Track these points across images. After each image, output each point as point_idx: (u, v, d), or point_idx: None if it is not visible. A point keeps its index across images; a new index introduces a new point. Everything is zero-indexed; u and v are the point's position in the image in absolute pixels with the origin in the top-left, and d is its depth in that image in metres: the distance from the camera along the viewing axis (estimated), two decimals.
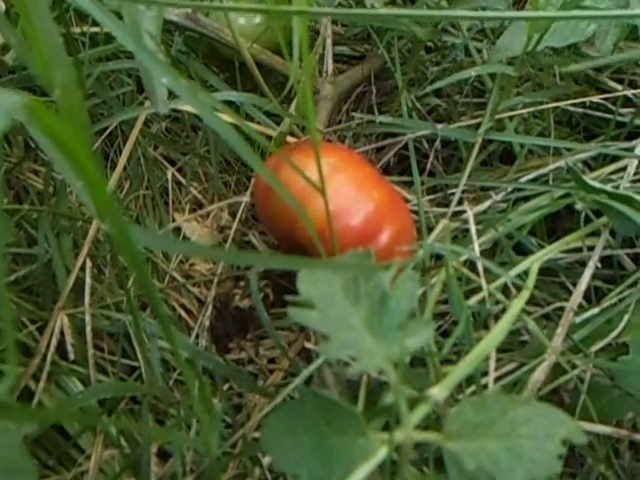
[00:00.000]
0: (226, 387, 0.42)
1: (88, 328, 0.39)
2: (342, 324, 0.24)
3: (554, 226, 0.48)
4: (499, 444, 0.21)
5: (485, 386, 0.35)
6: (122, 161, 0.42)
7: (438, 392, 0.22)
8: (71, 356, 0.38)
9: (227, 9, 0.31)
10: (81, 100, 0.21)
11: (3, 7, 0.43)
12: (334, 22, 0.58)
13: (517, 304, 0.31)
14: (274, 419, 0.25)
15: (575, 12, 0.36)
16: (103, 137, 0.46)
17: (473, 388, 0.35)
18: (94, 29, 0.45)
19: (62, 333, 0.38)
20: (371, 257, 0.25)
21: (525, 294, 0.32)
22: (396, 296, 0.23)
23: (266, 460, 0.37)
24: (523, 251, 0.43)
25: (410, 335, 0.22)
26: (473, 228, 0.36)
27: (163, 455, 0.38)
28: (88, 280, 0.40)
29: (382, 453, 0.21)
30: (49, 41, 0.19)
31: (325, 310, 0.24)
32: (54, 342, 0.38)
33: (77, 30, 0.45)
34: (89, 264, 0.40)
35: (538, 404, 0.22)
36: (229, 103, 0.43)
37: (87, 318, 0.39)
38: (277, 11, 0.21)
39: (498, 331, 0.28)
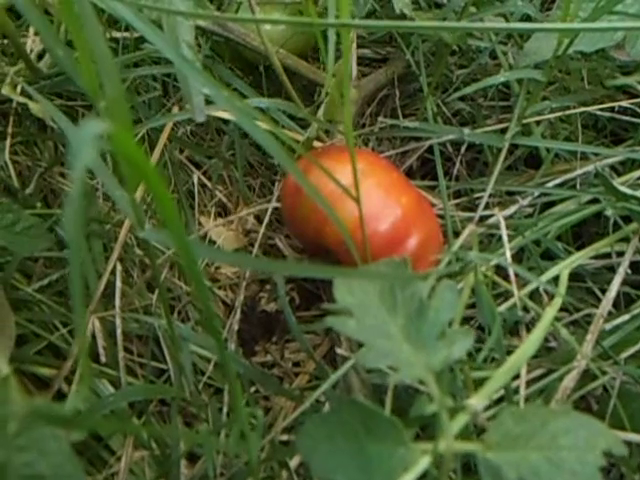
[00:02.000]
0: (252, 390, 0.42)
1: (119, 331, 0.39)
2: (379, 333, 0.24)
3: (580, 231, 0.47)
4: (540, 455, 0.21)
5: (516, 391, 0.35)
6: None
7: (476, 402, 0.23)
8: (102, 359, 0.39)
9: (262, 21, 0.31)
10: (127, 112, 0.21)
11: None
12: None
13: (550, 312, 0.30)
14: (310, 425, 0.25)
15: (603, 24, 0.35)
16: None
17: (500, 393, 0.35)
18: (125, 34, 0.45)
19: (93, 336, 0.39)
20: (407, 266, 0.26)
21: (557, 302, 0.32)
22: (435, 306, 0.23)
23: (293, 463, 0.37)
24: (549, 256, 0.42)
25: (450, 345, 0.22)
26: (504, 234, 0.36)
27: (192, 457, 0.39)
28: (118, 284, 0.40)
29: (424, 463, 0.21)
30: (99, 57, 0.20)
31: (362, 319, 0.24)
32: (86, 345, 0.38)
33: (107, 36, 0.45)
34: (119, 268, 0.41)
35: (578, 415, 0.22)
36: (256, 108, 0.44)
37: (117, 321, 0.40)
38: (319, 23, 0.21)
39: (533, 340, 0.28)
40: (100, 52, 0.20)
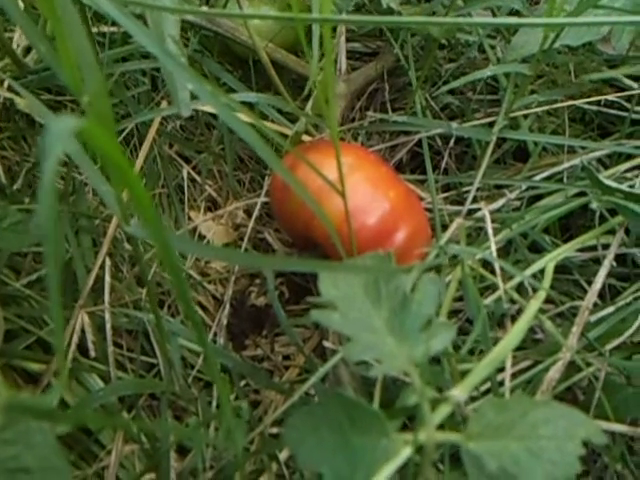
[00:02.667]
0: (242, 384, 0.42)
1: (108, 326, 0.40)
2: (364, 326, 0.24)
3: (567, 223, 0.48)
4: (520, 445, 0.21)
5: (501, 383, 0.35)
6: (139, 161, 0.42)
7: (459, 393, 0.23)
8: (92, 353, 0.39)
9: (248, 16, 0.31)
10: (109, 107, 0.21)
11: (22, 5, 0.43)
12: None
13: (534, 305, 0.31)
14: (297, 418, 0.26)
15: (589, 18, 0.36)
16: (121, 137, 0.46)
17: (487, 385, 0.36)
18: (112, 29, 0.45)
19: (83, 331, 0.39)
20: (392, 259, 0.26)
21: (541, 295, 0.32)
22: (418, 299, 0.24)
23: (283, 456, 0.37)
24: (537, 248, 0.43)
25: (432, 337, 0.22)
26: (490, 228, 0.36)
27: (182, 450, 0.39)
28: (108, 278, 0.40)
29: (405, 453, 0.21)
30: (80, 52, 0.20)
31: (346, 312, 0.25)
32: (75, 340, 0.38)
33: (95, 30, 0.45)
34: (108, 263, 0.41)
35: (558, 405, 0.22)
36: (244, 102, 0.44)
37: (107, 316, 0.40)
38: (301, 19, 0.21)
39: (516, 332, 0.28)
40: (81, 47, 0.20)
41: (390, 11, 0.42)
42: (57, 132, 0.11)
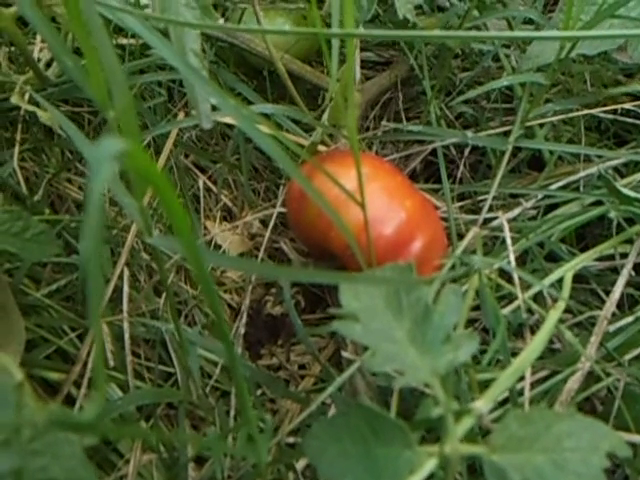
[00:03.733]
0: (258, 393, 0.42)
1: (126, 335, 0.40)
2: (385, 337, 0.24)
3: (583, 232, 0.48)
4: (544, 458, 0.21)
5: (519, 393, 0.35)
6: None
7: (482, 405, 0.23)
8: (110, 363, 0.39)
9: (268, 31, 0.32)
10: (136, 122, 0.22)
11: None
12: None
13: (553, 315, 0.31)
14: (317, 427, 0.26)
15: (605, 31, 0.36)
16: None
17: (505, 395, 0.36)
18: (131, 41, 0.46)
19: (101, 340, 0.39)
20: (412, 270, 0.26)
21: (561, 305, 0.32)
22: (440, 310, 0.24)
23: (300, 465, 0.37)
24: (553, 258, 0.43)
25: (455, 349, 0.22)
26: (508, 237, 0.36)
27: (199, 460, 0.39)
28: (126, 288, 0.41)
29: (430, 465, 0.21)
30: (108, 66, 0.20)
31: (368, 323, 0.25)
32: (94, 349, 0.39)
33: (113, 42, 0.46)
34: (127, 272, 0.41)
35: (581, 418, 0.22)
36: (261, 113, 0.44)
37: (125, 325, 0.40)
38: (323, 34, 0.21)
39: (537, 342, 0.28)
40: (108, 62, 0.20)
41: (405, 22, 0.42)
42: (103, 156, 0.11)
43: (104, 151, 0.11)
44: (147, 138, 0.44)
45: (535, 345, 0.27)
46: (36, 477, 0.20)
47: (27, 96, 0.38)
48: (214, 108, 0.35)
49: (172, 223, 0.17)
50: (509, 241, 0.36)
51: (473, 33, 0.31)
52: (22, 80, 0.36)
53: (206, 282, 0.19)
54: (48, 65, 0.40)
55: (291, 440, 0.39)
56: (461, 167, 0.51)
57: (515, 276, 0.35)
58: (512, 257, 0.35)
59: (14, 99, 0.36)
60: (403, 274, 0.26)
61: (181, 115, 0.48)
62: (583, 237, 0.47)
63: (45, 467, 0.20)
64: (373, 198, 0.39)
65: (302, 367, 0.45)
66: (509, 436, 0.22)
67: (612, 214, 0.39)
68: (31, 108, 0.36)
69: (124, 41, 0.46)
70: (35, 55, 0.42)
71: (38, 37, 0.44)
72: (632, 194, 0.36)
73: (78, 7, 0.19)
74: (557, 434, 0.22)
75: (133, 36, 0.46)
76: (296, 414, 0.41)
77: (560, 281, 0.38)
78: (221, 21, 0.47)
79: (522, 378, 0.35)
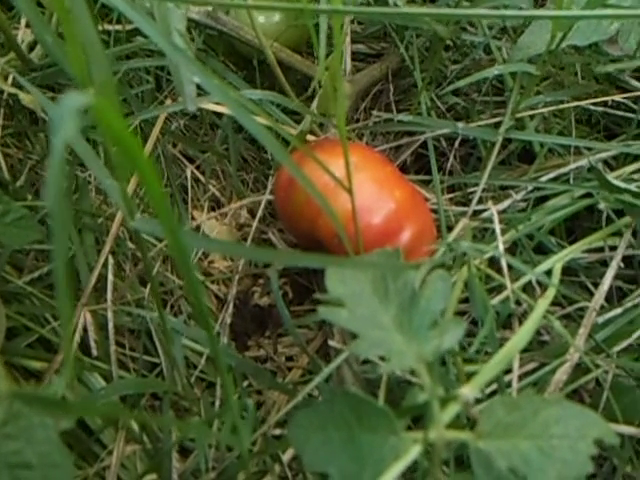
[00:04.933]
0: (245, 384, 0.42)
1: (110, 325, 0.39)
2: (371, 323, 0.24)
3: (573, 225, 0.47)
4: (531, 444, 0.21)
5: (507, 385, 0.35)
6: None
7: (468, 392, 0.22)
8: (94, 352, 0.39)
9: (254, 7, 0.31)
10: (116, 98, 0.21)
11: None
12: (352, 20, 0.58)
13: (542, 305, 0.30)
14: (302, 416, 0.25)
15: (598, 11, 0.35)
16: None
17: (494, 387, 0.35)
18: (117, 27, 0.45)
19: (85, 329, 0.39)
20: (399, 256, 0.25)
21: (550, 294, 0.32)
22: (426, 296, 0.23)
23: (286, 457, 0.37)
24: (542, 250, 0.43)
25: (443, 334, 0.22)
26: (497, 227, 0.36)
27: (184, 451, 0.39)
28: (110, 277, 0.40)
29: (415, 452, 0.21)
30: (88, 42, 0.19)
31: (354, 309, 0.24)
32: (77, 338, 0.38)
33: (99, 28, 0.45)
34: (111, 261, 0.40)
35: (570, 404, 0.22)
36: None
37: (109, 315, 0.39)
38: (310, 10, 0.21)
39: (524, 332, 0.28)
40: (89, 39, 0.19)
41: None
42: (65, 110, 0.11)
43: (67, 105, 0.11)
44: (134, 123, 0.43)
45: (522, 334, 0.27)
46: (9, 461, 0.19)
47: (10, 78, 0.37)
48: (202, 94, 0.34)
49: (149, 198, 0.16)
50: (498, 230, 0.35)
51: (465, 10, 0.30)
52: (3, 62, 0.36)
53: (187, 263, 0.18)
54: (31, 48, 0.39)
55: (277, 432, 0.39)
56: (451, 159, 0.51)
57: (504, 266, 0.34)
58: (501, 246, 0.35)
59: None
60: (390, 259, 0.25)
61: (168, 102, 0.47)
62: (573, 230, 0.47)
63: (19, 451, 0.19)
64: (362, 187, 0.39)
65: (290, 359, 0.45)
66: (496, 422, 0.21)
67: (602, 205, 0.39)
68: (13, 90, 0.35)
69: (110, 27, 0.45)
70: (19, 39, 0.41)
71: (22, 21, 0.44)
72: (622, 185, 0.35)
73: None
74: (544, 420, 0.21)
75: (119, 21, 0.45)
76: (283, 406, 0.41)
77: (549, 273, 0.38)
78: (210, 7, 0.47)
79: (511, 370, 0.35)
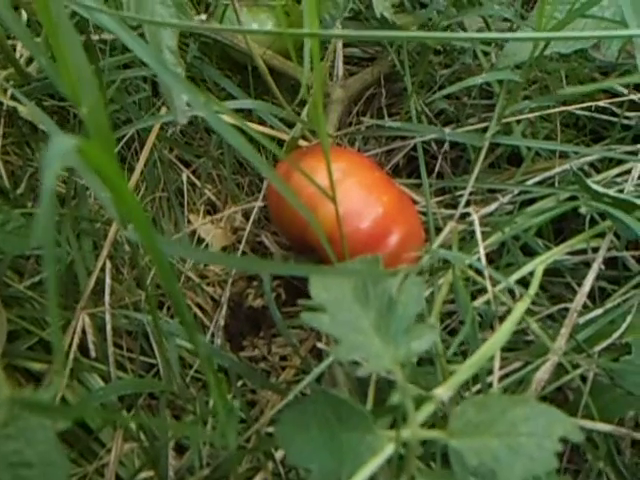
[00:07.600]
0: (240, 384, 0.43)
1: (108, 327, 0.41)
2: (352, 327, 0.25)
3: (561, 227, 0.49)
4: (499, 442, 0.22)
5: (490, 385, 0.36)
6: (140, 165, 0.43)
7: (443, 392, 0.24)
8: (92, 354, 0.40)
9: (242, 31, 0.32)
10: (106, 118, 0.22)
11: (25, 16, 0.44)
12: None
13: (520, 307, 0.32)
14: (288, 415, 0.26)
15: (574, 32, 0.36)
16: (122, 142, 0.47)
17: (479, 386, 0.37)
18: (113, 37, 0.46)
19: (84, 332, 0.40)
20: (379, 263, 0.27)
21: (528, 297, 0.33)
22: (403, 301, 0.24)
23: (279, 454, 0.38)
24: (530, 252, 0.44)
25: (416, 338, 0.23)
26: (478, 232, 0.37)
27: (180, 449, 0.40)
28: (108, 280, 0.41)
29: (389, 449, 0.22)
30: (77, 66, 0.21)
31: (336, 314, 0.26)
32: (76, 340, 0.39)
33: (96, 37, 0.46)
34: (109, 265, 0.42)
35: (537, 404, 0.23)
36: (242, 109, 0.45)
37: (107, 317, 0.41)
38: (291, 33, 0.22)
39: (501, 333, 0.29)
40: (78, 60, 0.21)
41: (384, 20, 0.43)
42: (58, 150, 0.12)
43: (61, 146, 0.12)
44: (130, 132, 0.44)
45: (500, 334, 0.28)
46: (10, 460, 0.21)
47: (9, 92, 0.38)
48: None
49: (129, 217, 0.17)
50: (479, 236, 0.36)
51: (444, 34, 0.31)
52: (3, 76, 0.37)
53: (168, 281, 0.19)
54: (30, 61, 0.40)
55: (270, 430, 0.40)
56: (440, 162, 0.52)
57: (485, 271, 0.36)
58: (482, 252, 0.36)
59: None
60: (371, 267, 0.27)
61: (164, 110, 0.48)
62: (560, 232, 0.48)
63: (19, 451, 0.21)
64: (351, 192, 0.40)
65: (283, 359, 0.46)
66: (466, 421, 0.23)
67: (583, 209, 0.40)
68: (12, 104, 0.36)
69: (107, 37, 0.46)
70: (17, 53, 0.42)
71: None
72: (601, 190, 0.37)
73: (48, 6, 0.20)
74: (512, 419, 0.23)
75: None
76: (276, 404, 0.42)
77: (533, 274, 0.39)
78: (204, 17, 0.48)
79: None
